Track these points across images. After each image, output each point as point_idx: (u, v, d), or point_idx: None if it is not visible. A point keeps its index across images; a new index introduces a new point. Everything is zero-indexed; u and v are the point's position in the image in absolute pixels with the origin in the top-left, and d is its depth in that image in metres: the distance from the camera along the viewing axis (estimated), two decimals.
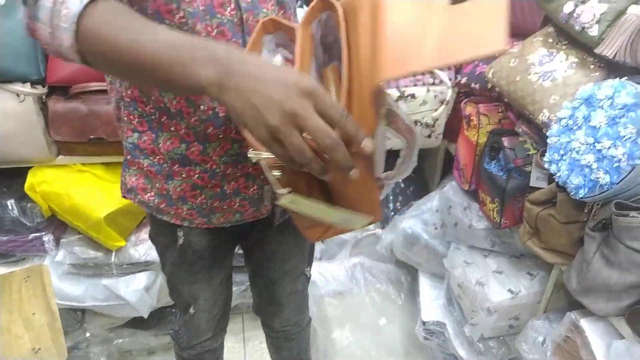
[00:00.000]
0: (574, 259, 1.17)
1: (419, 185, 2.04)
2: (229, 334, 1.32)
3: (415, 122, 1.66)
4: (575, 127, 1.04)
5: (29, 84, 1.45)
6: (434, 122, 1.68)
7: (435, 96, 1.63)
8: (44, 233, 1.70)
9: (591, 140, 1.00)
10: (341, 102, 0.59)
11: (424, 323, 1.71)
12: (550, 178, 1.19)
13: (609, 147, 0.97)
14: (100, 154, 1.60)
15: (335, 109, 0.54)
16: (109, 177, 1.66)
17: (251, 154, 0.62)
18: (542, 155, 1.15)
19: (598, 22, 1.08)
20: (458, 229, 1.61)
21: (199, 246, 1.03)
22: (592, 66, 1.16)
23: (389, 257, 1.96)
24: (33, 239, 1.70)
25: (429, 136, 1.72)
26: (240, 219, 0.98)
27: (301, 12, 0.91)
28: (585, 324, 1.16)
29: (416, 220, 1.78)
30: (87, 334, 1.87)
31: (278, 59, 0.74)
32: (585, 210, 1.11)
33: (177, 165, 0.89)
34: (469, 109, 1.48)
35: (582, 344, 1.16)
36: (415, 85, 1.62)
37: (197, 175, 0.89)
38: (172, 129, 0.85)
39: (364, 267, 1.95)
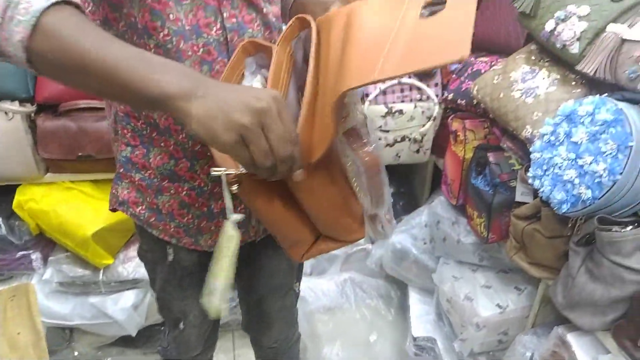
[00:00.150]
0: (560, 273, 1.18)
1: (408, 200, 2.05)
2: (219, 352, 1.31)
3: (404, 138, 1.68)
4: (557, 143, 1.06)
5: (17, 102, 1.46)
6: (422, 138, 1.70)
7: (423, 112, 1.65)
8: (31, 251, 1.69)
9: (573, 155, 1.01)
10: (302, 114, 0.62)
11: (414, 339, 1.71)
12: (535, 193, 1.21)
13: (590, 163, 0.98)
14: (88, 171, 1.60)
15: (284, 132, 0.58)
16: (97, 194, 1.65)
17: (214, 171, 0.64)
18: (527, 170, 1.16)
19: (578, 39, 1.10)
20: (446, 243, 1.62)
21: (188, 263, 1.03)
22: (573, 83, 1.18)
23: (379, 272, 1.96)
24: (21, 257, 1.69)
25: (417, 151, 1.74)
26: None
27: None
28: (572, 338, 1.16)
29: (405, 235, 1.79)
30: (75, 353, 1.85)
31: (258, 79, 0.75)
32: (569, 225, 1.12)
33: (166, 181, 0.90)
34: (455, 125, 1.50)
35: (569, 358, 1.16)
36: (403, 101, 1.64)
37: (185, 192, 0.90)
38: (162, 144, 0.86)
39: (354, 283, 1.95)
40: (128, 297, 1.72)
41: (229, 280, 0.66)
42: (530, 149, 1.13)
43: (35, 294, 1.21)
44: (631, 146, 0.93)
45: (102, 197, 1.64)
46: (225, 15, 0.78)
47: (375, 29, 0.61)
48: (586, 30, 1.08)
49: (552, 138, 1.07)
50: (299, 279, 1.26)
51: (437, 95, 1.65)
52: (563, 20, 1.13)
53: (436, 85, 1.66)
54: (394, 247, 1.79)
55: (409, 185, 2.10)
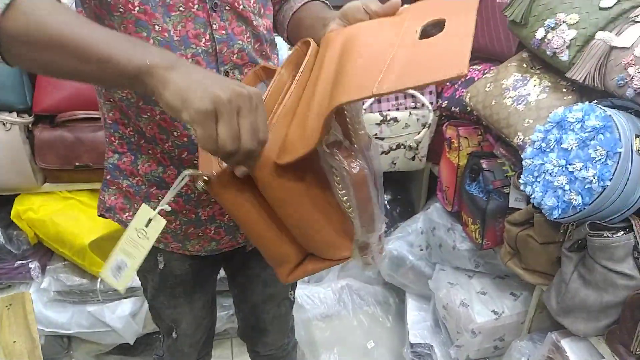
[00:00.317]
0: (554, 279, 1.18)
1: (404, 207, 2.06)
2: (217, 359, 1.31)
3: (399, 145, 1.69)
4: (548, 150, 1.06)
5: (15, 112, 1.47)
6: (417, 145, 1.71)
7: (418, 119, 1.66)
8: (30, 260, 1.70)
9: (563, 162, 1.02)
10: (280, 111, 0.64)
11: (411, 345, 1.71)
12: (529, 199, 1.21)
13: (580, 169, 0.99)
14: (85, 180, 1.61)
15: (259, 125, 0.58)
16: (94, 203, 1.65)
17: (187, 170, 0.66)
18: (519, 177, 1.17)
19: (568, 47, 1.11)
20: (442, 250, 1.62)
21: (180, 271, 1.04)
22: (564, 90, 1.19)
23: (377, 279, 1.97)
24: (19, 266, 1.69)
25: (413, 158, 1.75)
26: (217, 248, 0.99)
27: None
28: (566, 344, 1.16)
29: (402, 242, 1.79)
30: None
31: None
32: (561, 231, 1.12)
33: (154, 188, 0.91)
34: (449, 132, 1.51)
35: None
36: (398, 109, 1.66)
37: (172, 199, 0.91)
38: (150, 152, 0.87)
39: (351, 290, 1.95)
40: (126, 306, 1.72)
41: (116, 247, 0.70)
42: (522, 156, 1.14)
43: (32, 303, 1.21)
44: (620, 152, 0.94)
45: None
46: (214, 27, 0.79)
47: (375, 46, 0.63)
48: (575, 38, 1.10)
49: (543, 145, 1.07)
50: (293, 287, 1.26)
51: (431, 103, 1.67)
52: (553, 29, 1.14)
53: (430, 92, 1.68)
54: (391, 254, 1.79)
55: (406, 192, 2.11)
